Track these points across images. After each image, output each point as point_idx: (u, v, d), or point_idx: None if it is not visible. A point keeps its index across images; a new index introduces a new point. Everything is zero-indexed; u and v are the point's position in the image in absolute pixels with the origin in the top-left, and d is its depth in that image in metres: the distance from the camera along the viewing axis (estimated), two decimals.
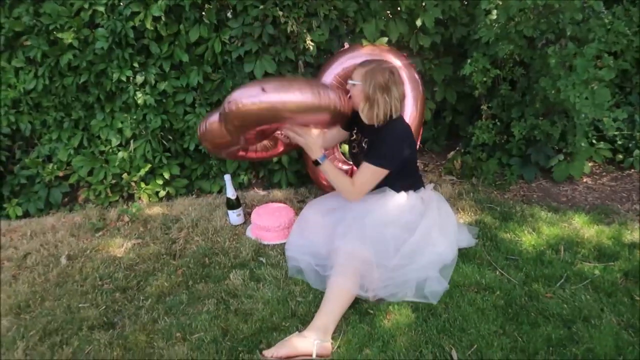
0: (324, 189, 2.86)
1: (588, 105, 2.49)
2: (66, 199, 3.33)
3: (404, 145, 2.22)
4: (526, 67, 3.01)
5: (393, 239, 2.14)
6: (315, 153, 2.20)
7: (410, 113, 2.67)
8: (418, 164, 2.53)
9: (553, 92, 2.70)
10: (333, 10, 2.89)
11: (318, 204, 2.46)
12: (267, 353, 1.81)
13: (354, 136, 2.40)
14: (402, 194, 2.26)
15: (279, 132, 2.43)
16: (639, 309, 1.96)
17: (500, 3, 2.70)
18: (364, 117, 2.21)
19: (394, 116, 2.20)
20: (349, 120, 2.39)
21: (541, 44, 2.99)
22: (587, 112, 2.51)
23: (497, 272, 2.25)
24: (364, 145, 2.30)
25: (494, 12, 2.80)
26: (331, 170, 2.22)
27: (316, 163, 2.21)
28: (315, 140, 2.20)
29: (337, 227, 2.19)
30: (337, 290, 1.98)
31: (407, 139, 2.25)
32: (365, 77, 2.15)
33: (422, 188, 2.39)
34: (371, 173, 2.16)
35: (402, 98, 2.21)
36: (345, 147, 3.02)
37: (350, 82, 2.22)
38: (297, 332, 1.90)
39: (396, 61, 2.64)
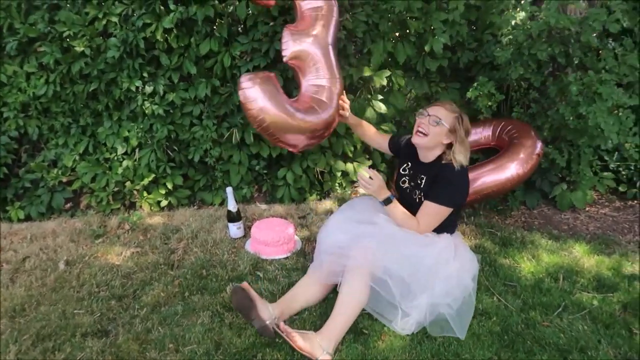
0: None
1: (614, 131, 2.51)
2: (68, 205, 3.35)
3: (465, 191, 2.24)
4: (538, 91, 3.02)
5: (427, 269, 2.12)
6: (383, 194, 2.16)
7: (517, 172, 2.73)
8: None
9: (572, 118, 2.71)
10: (342, 30, 2.93)
11: (355, 211, 2.40)
12: (284, 328, 1.87)
13: (406, 170, 2.39)
14: (443, 236, 2.24)
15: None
16: (638, 342, 1.94)
17: (520, 23, 2.73)
18: (452, 156, 2.18)
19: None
20: (398, 150, 2.45)
21: (548, 71, 3.01)
22: (613, 138, 2.52)
23: (495, 298, 2.23)
24: (419, 181, 2.28)
25: (511, 34, 2.81)
26: (398, 210, 2.19)
27: (387, 201, 2.16)
28: (379, 183, 2.14)
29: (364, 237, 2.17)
30: (345, 299, 1.99)
31: (467, 187, 2.27)
32: (457, 121, 2.17)
33: (454, 232, 2.39)
34: (437, 212, 2.17)
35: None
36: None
37: (439, 119, 2.17)
38: (312, 332, 1.91)
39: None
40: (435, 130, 2.17)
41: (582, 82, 2.61)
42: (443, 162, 2.21)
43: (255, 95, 2.27)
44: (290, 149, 2.54)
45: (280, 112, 2.30)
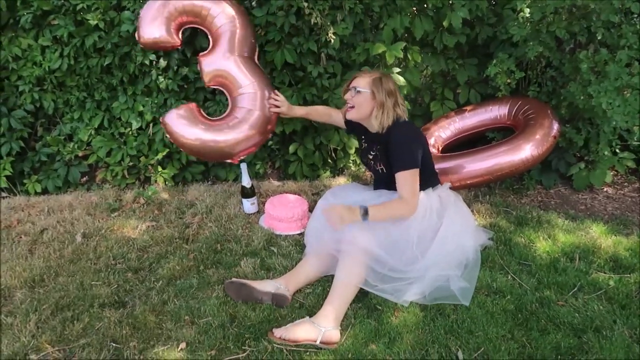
0: None
1: (620, 112, 2.44)
2: (84, 179, 3.38)
3: (419, 142, 2.23)
4: (556, 70, 2.95)
5: (415, 245, 2.14)
6: (355, 213, 2.04)
7: (532, 154, 2.69)
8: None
9: (582, 97, 2.65)
10: (358, 4, 2.87)
11: (342, 195, 2.43)
12: (277, 332, 1.88)
13: (364, 145, 2.42)
14: (421, 195, 2.22)
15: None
16: None
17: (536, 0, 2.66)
18: (374, 123, 2.22)
19: (400, 120, 2.22)
20: (352, 126, 2.47)
21: (569, 48, 2.93)
22: (619, 119, 2.46)
23: (509, 277, 2.22)
24: (375, 152, 2.31)
25: (527, 10, 2.74)
26: (379, 211, 2.09)
27: (365, 214, 2.04)
28: (340, 209, 2.05)
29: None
30: (341, 280, 2.01)
31: (419, 136, 2.29)
32: (374, 84, 2.17)
33: (439, 185, 2.38)
34: (408, 178, 2.14)
35: (403, 103, 2.26)
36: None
37: (357, 89, 2.21)
38: (307, 318, 1.93)
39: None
40: (358, 100, 2.21)
41: (593, 60, 2.54)
42: (390, 128, 2.21)
43: (172, 128, 2.64)
44: (228, 160, 2.79)
45: (195, 140, 2.62)
